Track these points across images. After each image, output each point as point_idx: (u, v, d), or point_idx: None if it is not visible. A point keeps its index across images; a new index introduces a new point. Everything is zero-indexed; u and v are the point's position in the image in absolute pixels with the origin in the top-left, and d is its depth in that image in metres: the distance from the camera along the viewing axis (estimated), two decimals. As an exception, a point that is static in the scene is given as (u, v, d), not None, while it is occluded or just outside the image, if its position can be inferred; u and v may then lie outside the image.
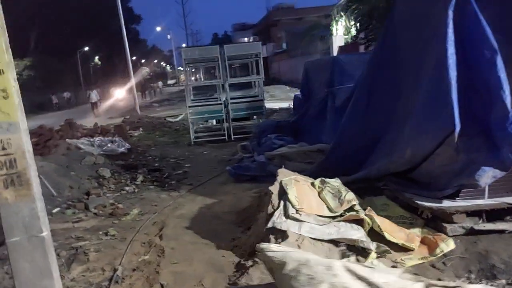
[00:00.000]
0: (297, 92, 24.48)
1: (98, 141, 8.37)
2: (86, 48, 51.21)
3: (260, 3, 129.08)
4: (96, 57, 59.14)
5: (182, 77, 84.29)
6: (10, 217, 2.78)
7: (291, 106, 16.55)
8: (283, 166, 5.68)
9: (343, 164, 4.52)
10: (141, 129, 12.77)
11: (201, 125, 11.86)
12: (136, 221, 4.80)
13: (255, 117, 11.78)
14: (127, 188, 6.26)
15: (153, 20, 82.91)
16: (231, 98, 10.07)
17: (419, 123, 3.39)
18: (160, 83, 45.91)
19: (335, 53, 23.78)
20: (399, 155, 3.60)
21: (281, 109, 14.72)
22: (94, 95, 22.94)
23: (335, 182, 3.62)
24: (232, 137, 9.90)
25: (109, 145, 8.35)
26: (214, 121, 12.09)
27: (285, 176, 3.81)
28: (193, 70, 22.56)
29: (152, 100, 33.43)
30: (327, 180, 3.64)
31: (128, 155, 8.42)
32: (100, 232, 4.44)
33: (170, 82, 71.82)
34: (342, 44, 23.52)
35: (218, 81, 10.12)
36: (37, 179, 2.85)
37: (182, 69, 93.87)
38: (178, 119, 15.45)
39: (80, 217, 5.04)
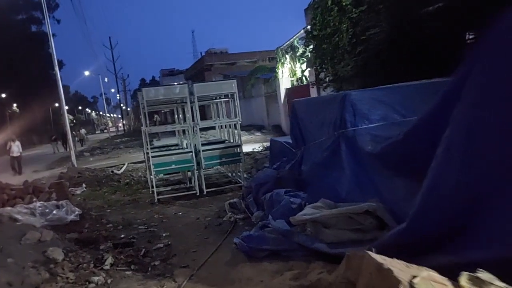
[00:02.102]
0: (253, 133, 23.07)
1: (40, 208, 6.38)
2: (3, 95, 46.91)
3: (187, 50, 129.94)
4: (14, 105, 54.47)
5: (110, 123, 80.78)
6: None
7: (255, 150, 15.31)
8: (318, 235, 4.32)
9: (436, 235, 3.23)
10: (84, 185, 10.70)
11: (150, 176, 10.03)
12: None
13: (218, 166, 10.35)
14: (95, 278, 4.42)
15: (77, 66, 79.27)
16: (202, 145, 8.58)
17: None
18: (83, 131, 41.45)
19: (282, 95, 23.31)
20: None
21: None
22: (16, 148, 18.72)
23: (497, 281, 2.29)
24: (205, 191, 8.33)
25: (54, 212, 6.40)
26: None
27: (397, 268, 2.42)
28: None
29: (79, 149, 30.37)
30: (481, 275, 2.30)
31: (81, 224, 6.51)
32: None
33: (102, 127, 68.21)
34: (289, 86, 23.14)
35: (185, 125, 8.59)
36: None
37: (109, 115, 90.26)
38: (122, 170, 13.43)
39: None
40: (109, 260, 4.91)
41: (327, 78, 14.48)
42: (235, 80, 8.52)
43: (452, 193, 3.20)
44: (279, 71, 23.60)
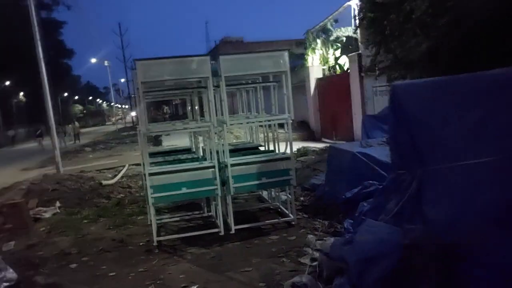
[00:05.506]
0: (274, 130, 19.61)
1: None
2: (7, 83, 44.24)
3: (200, 39, 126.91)
4: (21, 93, 51.89)
5: (120, 114, 77.64)
6: None
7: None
8: None
9: None
10: (58, 204, 7.57)
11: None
12: None
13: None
14: None
15: (89, 55, 76.21)
16: (231, 152, 5.38)
17: None
18: (76, 124, 33.34)
19: (312, 86, 20.03)
20: None
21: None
22: None
23: None
24: (233, 229, 5.18)
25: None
26: None
27: None
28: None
29: (80, 144, 27.42)
30: None
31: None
32: None
33: (114, 119, 64.77)
34: (320, 75, 19.83)
35: (206, 124, 5.32)
36: None
37: (119, 106, 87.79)
38: (117, 178, 10.07)
39: None
40: None
41: (380, 64, 10.94)
42: (286, 52, 5.27)
43: None
44: (309, 58, 20.27)
